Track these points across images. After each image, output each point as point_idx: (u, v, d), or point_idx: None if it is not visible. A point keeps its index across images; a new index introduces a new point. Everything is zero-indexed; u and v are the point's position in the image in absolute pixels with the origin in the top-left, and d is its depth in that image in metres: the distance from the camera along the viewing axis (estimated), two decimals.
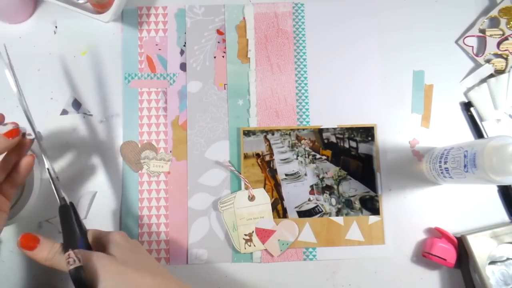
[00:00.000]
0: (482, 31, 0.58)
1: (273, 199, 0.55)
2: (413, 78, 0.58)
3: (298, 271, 0.54)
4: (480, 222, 0.55)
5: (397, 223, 0.55)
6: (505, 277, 0.51)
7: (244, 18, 0.58)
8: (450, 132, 0.57)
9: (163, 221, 0.54)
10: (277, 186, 0.55)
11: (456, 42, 0.59)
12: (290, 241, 0.54)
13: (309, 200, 0.55)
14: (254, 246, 0.53)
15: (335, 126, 0.56)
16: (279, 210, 0.55)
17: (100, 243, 0.42)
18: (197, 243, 0.54)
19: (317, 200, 0.55)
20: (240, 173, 0.55)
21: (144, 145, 0.55)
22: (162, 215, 0.54)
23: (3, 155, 0.44)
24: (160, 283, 0.39)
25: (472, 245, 0.51)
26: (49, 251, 0.37)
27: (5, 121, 0.44)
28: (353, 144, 0.56)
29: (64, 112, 0.56)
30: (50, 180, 0.43)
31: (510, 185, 0.55)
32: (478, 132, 0.56)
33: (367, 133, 0.56)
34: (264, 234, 0.54)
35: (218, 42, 0.58)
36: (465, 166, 0.46)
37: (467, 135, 0.57)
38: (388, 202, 0.55)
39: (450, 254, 0.52)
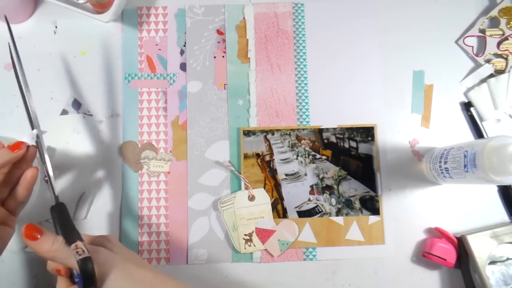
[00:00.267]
0: (482, 31, 0.58)
1: (273, 199, 0.55)
2: (413, 78, 0.58)
3: (298, 271, 0.54)
4: (480, 222, 0.55)
5: (397, 223, 0.55)
6: (505, 277, 0.51)
7: (244, 18, 0.58)
8: (450, 132, 0.57)
9: (163, 221, 0.54)
10: (277, 186, 0.55)
11: (456, 42, 0.59)
12: (290, 241, 0.54)
13: (309, 200, 0.55)
14: (254, 246, 0.53)
15: (335, 126, 0.56)
16: (279, 210, 0.55)
17: (96, 243, 0.42)
18: (197, 243, 0.54)
19: (317, 200, 0.55)
20: (240, 173, 0.55)
21: (144, 145, 0.55)
22: (162, 215, 0.54)
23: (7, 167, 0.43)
24: (161, 278, 0.40)
25: (472, 245, 0.51)
26: (53, 243, 0.37)
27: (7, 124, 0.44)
28: (353, 144, 0.56)
29: (64, 112, 0.56)
30: (48, 178, 0.43)
31: (510, 185, 0.55)
32: (478, 132, 0.56)
33: (367, 133, 0.56)
34: (264, 234, 0.54)
35: (218, 42, 0.58)
36: (465, 166, 0.46)
37: (467, 135, 0.57)
38: (388, 202, 0.55)
39: (450, 254, 0.52)
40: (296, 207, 0.55)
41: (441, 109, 0.57)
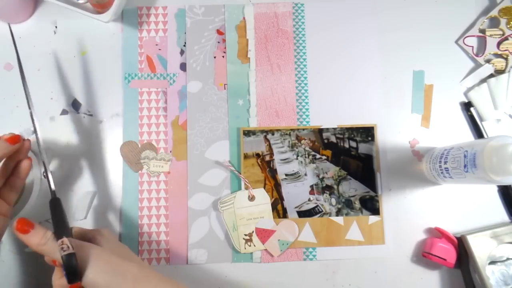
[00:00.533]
0: (482, 31, 0.58)
1: (273, 199, 0.55)
2: (413, 78, 0.58)
3: (298, 271, 0.54)
4: (480, 222, 0.55)
5: (397, 223, 0.55)
6: (505, 277, 0.51)
7: (244, 18, 0.58)
8: (450, 132, 0.57)
9: (163, 221, 0.54)
10: (277, 186, 0.55)
11: (456, 42, 0.59)
12: (290, 241, 0.54)
13: (309, 200, 0.55)
14: (254, 246, 0.53)
15: (335, 126, 0.56)
16: (279, 210, 0.55)
17: (86, 239, 0.43)
18: (197, 243, 0.54)
19: (317, 200, 0.55)
20: (240, 173, 0.55)
21: (144, 145, 0.55)
22: (162, 215, 0.54)
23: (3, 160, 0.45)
24: (145, 272, 0.40)
25: (472, 245, 0.51)
26: (42, 237, 0.39)
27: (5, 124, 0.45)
28: (353, 144, 0.56)
29: (64, 112, 0.56)
30: (46, 172, 0.44)
31: (510, 185, 0.55)
32: (478, 132, 0.56)
33: (367, 133, 0.56)
34: (264, 234, 0.54)
35: (218, 42, 0.58)
36: (465, 166, 0.46)
37: (467, 135, 0.57)
38: (388, 202, 0.55)
39: (450, 254, 0.52)
40: (296, 207, 0.55)
41: (441, 109, 0.57)
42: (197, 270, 0.53)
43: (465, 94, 0.58)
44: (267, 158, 0.56)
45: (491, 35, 0.58)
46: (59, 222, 0.41)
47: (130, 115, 0.56)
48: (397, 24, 0.59)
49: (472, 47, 0.58)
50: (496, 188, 0.56)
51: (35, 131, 0.46)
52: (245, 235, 0.53)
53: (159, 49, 0.57)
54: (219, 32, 0.58)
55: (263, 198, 0.54)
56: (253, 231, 0.54)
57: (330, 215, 0.55)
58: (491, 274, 0.51)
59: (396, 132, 0.57)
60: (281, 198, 0.55)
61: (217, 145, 0.56)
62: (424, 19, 0.59)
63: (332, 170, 0.55)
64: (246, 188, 0.54)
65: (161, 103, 0.56)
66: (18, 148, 0.45)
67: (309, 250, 0.54)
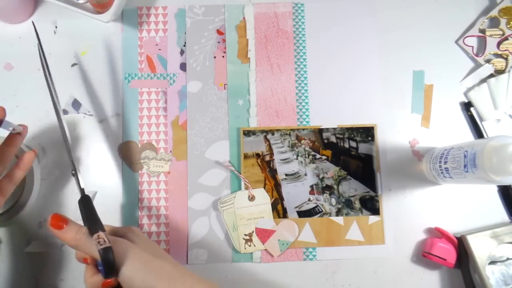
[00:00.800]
0: (482, 31, 0.58)
1: (273, 199, 0.55)
2: (413, 78, 0.58)
3: (298, 271, 0.54)
4: (480, 222, 0.55)
5: (397, 223, 0.55)
6: (505, 277, 0.51)
7: (244, 18, 0.58)
8: (450, 132, 0.57)
9: (163, 221, 0.54)
10: (277, 186, 0.55)
11: (456, 42, 0.59)
12: (290, 241, 0.54)
13: (309, 200, 0.55)
14: (254, 246, 0.53)
15: (335, 126, 0.56)
16: (279, 210, 0.55)
17: (118, 236, 0.43)
18: (197, 243, 0.54)
19: (317, 200, 0.55)
20: (240, 173, 0.55)
21: (144, 145, 0.55)
22: (162, 215, 0.54)
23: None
24: (180, 270, 0.40)
25: (472, 245, 0.51)
26: (77, 232, 0.39)
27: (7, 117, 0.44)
28: (353, 144, 0.56)
29: (64, 112, 0.56)
30: (75, 172, 0.44)
31: (510, 185, 0.55)
32: (478, 132, 0.56)
33: (367, 133, 0.56)
34: (264, 234, 0.54)
35: (218, 42, 0.58)
36: (465, 166, 0.46)
37: (467, 135, 0.57)
38: (388, 202, 0.55)
39: (450, 254, 0.52)
40: (296, 207, 0.55)
41: (441, 109, 0.57)
42: (197, 270, 0.53)
43: (465, 94, 0.58)
44: (267, 158, 0.56)
45: (491, 35, 0.58)
46: (91, 219, 0.40)
47: (130, 115, 0.56)
48: (397, 24, 0.59)
49: (472, 47, 0.58)
50: (496, 188, 0.56)
51: (62, 132, 0.46)
52: (245, 235, 0.53)
53: (159, 49, 0.57)
54: (219, 32, 0.58)
55: (263, 198, 0.54)
56: (253, 231, 0.54)
57: (330, 215, 0.55)
58: (491, 274, 0.51)
59: (396, 132, 0.57)
60: (281, 198, 0.55)
61: (217, 145, 0.56)
62: (424, 19, 0.59)
63: (332, 170, 0.55)
64: (246, 188, 0.54)
65: (161, 103, 0.56)
66: (13, 135, 0.45)
67: (309, 250, 0.54)
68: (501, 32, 0.58)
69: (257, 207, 0.54)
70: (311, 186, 0.55)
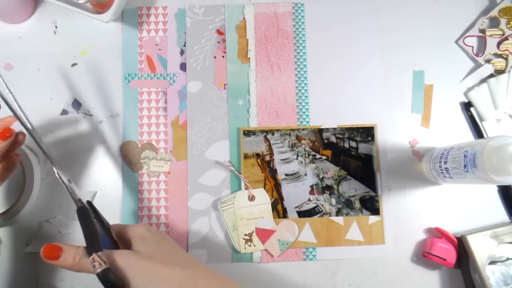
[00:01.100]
0: (482, 31, 0.58)
1: (273, 199, 0.55)
2: (413, 78, 0.58)
3: (298, 271, 0.54)
4: (480, 222, 0.55)
5: (397, 223, 0.55)
6: (505, 277, 0.51)
7: (244, 18, 0.58)
8: (450, 132, 0.57)
9: (163, 221, 0.54)
10: (277, 186, 0.55)
11: (456, 42, 0.59)
12: (290, 241, 0.54)
13: (309, 200, 0.55)
14: (254, 246, 0.53)
15: (335, 126, 0.56)
16: (279, 210, 0.55)
17: (125, 238, 0.41)
18: (197, 243, 0.54)
19: (317, 200, 0.55)
20: (240, 173, 0.55)
21: (144, 145, 0.55)
22: (162, 215, 0.54)
23: None
24: (190, 273, 0.38)
25: (472, 245, 0.51)
26: (74, 257, 0.37)
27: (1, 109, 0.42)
28: (353, 144, 0.56)
29: (64, 112, 0.56)
30: (63, 186, 0.42)
31: (510, 185, 0.55)
32: (478, 132, 0.56)
33: (367, 133, 0.56)
34: (264, 234, 0.54)
35: (218, 42, 0.58)
36: (465, 166, 0.46)
37: (467, 135, 0.57)
38: (388, 202, 0.55)
39: (450, 254, 0.52)
40: (296, 207, 0.55)
41: (441, 109, 0.57)
42: None
43: (465, 94, 0.58)
44: (267, 158, 0.56)
45: (491, 35, 0.58)
46: (88, 234, 0.38)
47: (130, 115, 0.56)
48: (397, 24, 0.59)
49: (472, 47, 0.58)
50: (496, 188, 0.56)
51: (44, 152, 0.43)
52: (245, 235, 0.53)
53: (159, 49, 0.57)
54: (219, 32, 0.58)
55: (263, 198, 0.54)
56: (253, 231, 0.54)
57: (330, 215, 0.55)
58: (491, 274, 0.51)
59: (396, 132, 0.57)
60: (281, 198, 0.55)
61: (217, 145, 0.56)
62: (424, 19, 0.59)
63: (332, 170, 0.55)
64: (246, 188, 0.54)
65: (161, 103, 0.56)
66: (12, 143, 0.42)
67: (309, 250, 0.54)
68: (501, 32, 0.58)
69: (257, 207, 0.54)
70: (311, 186, 0.55)
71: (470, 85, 0.58)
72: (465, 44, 0.58)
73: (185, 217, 0.54)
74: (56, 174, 0.42)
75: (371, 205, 0.55)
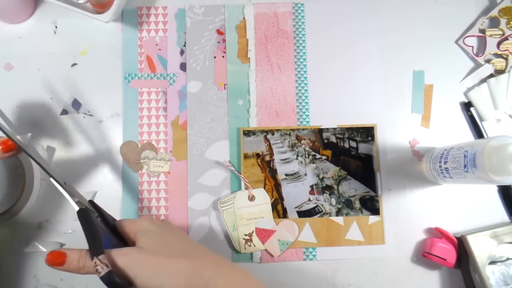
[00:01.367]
0: (482, 31, 0.58)
1: (273, 199, 0.55)
2: (413, 78, 0.58)
3: (298, 271, 0.54)
4: (480, 222, 0.55)
5: (397, 223, 0.55)
6: (505, 277, 0.51)
7: (244, 18, 0.58)
8: (450, 132, 0.57)
9: None
10: (277, 186, 0.55)
11: (456, 42, 0.59)
12: (290, 241, 0.54)
13: (309, 200, 0.55)
14: (254, 246, 0.53)
15: (335, 126, 0.56)
16: (279, 210, 0.55)
17: (130, 233, 0.41)
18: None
19: (317, 200, 0.55)
20: (240, 173, 0.55)
21: (144, 145, 0.55)
22: (162, 215, 0.54)
23: None
24: (195, 264, 0.38)
25: (472, 245, 0.51)
26: (79, 261, 0.37)
27: None
28: (353, 144, 0.56)
29: (64, 112, 0.56)
30: (61, 190, 0.41)
31: (510, 185, 0.55)
32: (478, 132, 0.56)
33: (367, 133, 0.56)
34: (264, 234, 0.54)
35: (218, 42, 0.58)
36: (465, 166, 0.46)
37: (467, 135, 0.57)
38: (388, 202, 0.55)
39: (450, 254, 0.52)
40: (296, 207, 0.55)
41: (441, 109, 0.57)
42: None
43: (465, 94, 0.58)
44: (267, 158, 0.56)
45: (491, 35, 0.58)
46: (89, 237, 0.37)
47: (130, 115, 0.56)
48: (397, 24, 0.59)
49: (472, 47, 0.58)
50: (496, 188, 0.56)
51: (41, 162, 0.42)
52: (245, 235, 0.53)
53: (159, 49, 0.57)
54: (219, 32, 0.58)
55: (263, 198, 0.54)
56: (253, 231, 0.54)
57: (330, 215, 0.55)
58: (491, 274, 0.51)
59: (396, 132, 0.57)
60: (281, 198, 0.55)
61: (217, 145, 0.56)
62: (424, 19, 0.59)
63: (332, 170, 0.55)
64: (246, 188, 0.54)
65: (161, 103, 0.56)
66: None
67: (309, 250, 0.54)
68: (501, 32, 0.58)
69: (257, 207, 0.54)
70: (311, 186, 0.55)
71: (470, 85, 0.58)
72: (465, 44, 0.58)
73: (185, 217, 0.54)
74: (51, 179, 0.41)
75: (371, 205, 0.55)
